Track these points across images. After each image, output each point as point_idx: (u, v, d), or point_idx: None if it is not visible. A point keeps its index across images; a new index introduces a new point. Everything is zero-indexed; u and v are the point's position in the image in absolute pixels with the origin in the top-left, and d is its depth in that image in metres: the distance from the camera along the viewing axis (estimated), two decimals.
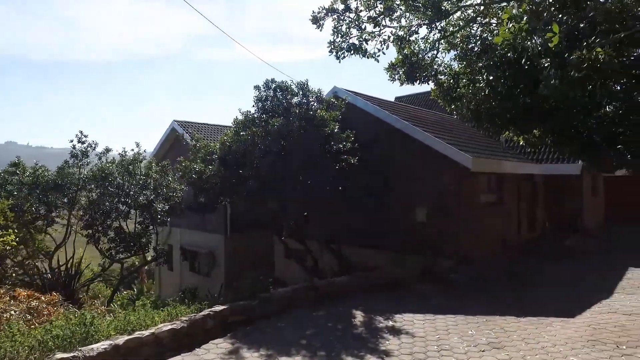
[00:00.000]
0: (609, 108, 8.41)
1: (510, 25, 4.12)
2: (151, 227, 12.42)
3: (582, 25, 4.08)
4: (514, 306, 7.44)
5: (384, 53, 6.03)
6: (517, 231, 13.70)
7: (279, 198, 9.52)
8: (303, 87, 10.45)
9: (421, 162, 11.10)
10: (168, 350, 5.00)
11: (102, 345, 4.36)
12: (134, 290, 21.31)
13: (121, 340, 4.56)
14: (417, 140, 10.96)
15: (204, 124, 18.52)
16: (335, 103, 10.86)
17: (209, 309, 5.78)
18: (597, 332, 6.01)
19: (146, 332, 4.92)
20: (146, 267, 22.55)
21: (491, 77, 6.05)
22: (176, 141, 17.74)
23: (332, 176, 9.47)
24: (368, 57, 5.94)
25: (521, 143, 9.34)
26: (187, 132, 16.57)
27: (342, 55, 5.83)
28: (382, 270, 8.75)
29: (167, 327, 5.18)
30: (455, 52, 7.10)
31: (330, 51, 5.81)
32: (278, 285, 8.93)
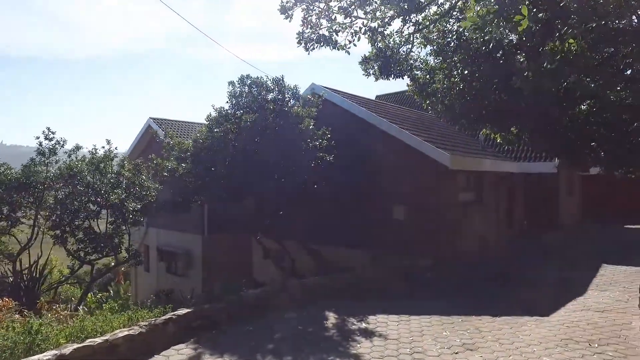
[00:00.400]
0: (583, 106, 8.38)
1: (478, 8, 3.96)
2: (123, 227, 11.91)
3: (555, 15, 3.95)
4: (490, 306, 7.31)
5: (355, 45, 5.79)
6: (496, 229, 13.69)
7: (252, 196, 9.20)
8: (278, 83, 10.15)
9: (399, 160, 10.94)
10: (123, 358, 4.65)
11: (45, 356, 3.99)
12: (110, 293, 20.66)
13: (68, 349, 4.19)
14: (395, 138, 10.80)
15: (182, 121, 18.03)
16: (311, 99, 10.60)
17: (172, 313, 5.44)
18: (570, 330, 5.91)
19: (99, 340, 4.56)
20: (122, 268, 21.92)
21: (466, 72, 5.89)
22: (153, 139, 17.20)
23: (307, 174, 9.21)
24: (338, 49, 5.70)
25: (498, 140, 9.25)
26: (163, 130, 16.06)
27: (312, 47, 5.57)
28: (359, 271, 8.53)
29: (123, 333, 4.83)
30: (432, 48, 6.92)
31: (299, 42, 5.55)
32: (256, 287, 8.63)
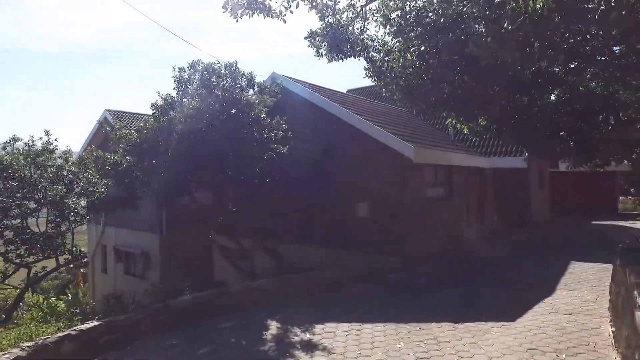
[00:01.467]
0: (552, 96, 7.79)
1: None
2: (65, 226, 10.72)
3: None
4: (453, 309, 6.61)
5: (291, 12, 4.95)
6: (467, 226, 13.12)
7: (196, 190, 8.24)
8: (231, 69, 9.21)
9: (363, 154, 10.17)
10: None
11: None
12: (68, 296, 19.24)
13: None
14: (358, 129, 10.03)
15: (141, 114, 16.80)
16: (267, 87, 9.72)
17: (71, 329, 4.47)
18: (537, 338, 5.23)
19: None
20: (82, 270, 20.49)
21: (422, 48, 5.15)
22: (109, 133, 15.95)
23: (260, 167, 8.31)
24: (272, 17, 4.87)
25: (465, 132, 8.59)
26: (121, 122, 14.83)
27: (241, 14, 4.71)
28: (317, 272, 7.70)
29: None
30: (390, 28, 6.15)
31: (225, 7, 4.67)
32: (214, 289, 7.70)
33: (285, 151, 8.59)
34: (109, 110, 15.76)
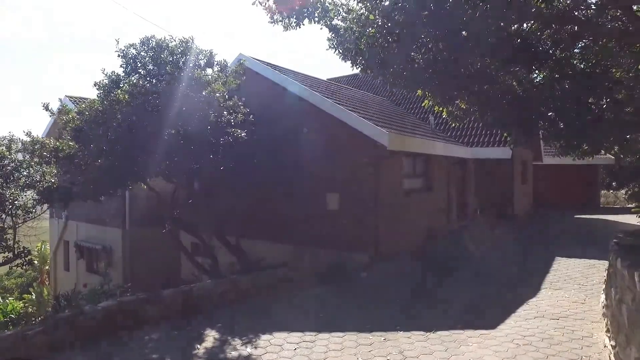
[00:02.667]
0: (539, 77, 6.89)
1: None
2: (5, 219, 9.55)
3: None
4: (426, 315, 5.71)
5: None
6: (447, 219, 12.28)
7: (138, 179, 7.17)
8: (186, 45, 8.12)
9: (335, 141, 9.18)
10: None
11: None
12: (32, 295, 17.92)
13: None
14: (329, 115, 9.02)
15: None
16: (228, 66, 8.65)
17: None
18: (521, 350, 4.34)
19: None
20: (47, 267, 19.13)
21: (387, 3, 4.19)
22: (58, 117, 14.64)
23: (216, 154, 7.26)
24: None
25: (444, 116, 7.66)
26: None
27: None
28: (275, 270, 6.71)
29: None
30: None
31: None
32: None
33: (243, 136, 7.54)
34: (69, 97, 14.44)
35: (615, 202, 22.17)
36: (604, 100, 6.05)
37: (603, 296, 5.42)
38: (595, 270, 7.91)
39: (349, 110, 8.88)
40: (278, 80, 10.00)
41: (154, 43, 8.13)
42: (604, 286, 5.51)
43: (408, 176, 10.30)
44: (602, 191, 22.07)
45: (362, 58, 4.87)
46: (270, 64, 11.10)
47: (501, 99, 6.43)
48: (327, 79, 19.12)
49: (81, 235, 14.57)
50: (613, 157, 20.17)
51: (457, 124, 7.81)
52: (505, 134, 6.93)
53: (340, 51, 5.26)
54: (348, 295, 6.71)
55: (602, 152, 7.89)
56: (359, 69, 5.23)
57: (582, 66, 6.36)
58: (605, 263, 8.56)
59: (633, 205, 21.01)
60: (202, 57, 8.44)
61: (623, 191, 22.56)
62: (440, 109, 7.18)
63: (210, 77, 7.65)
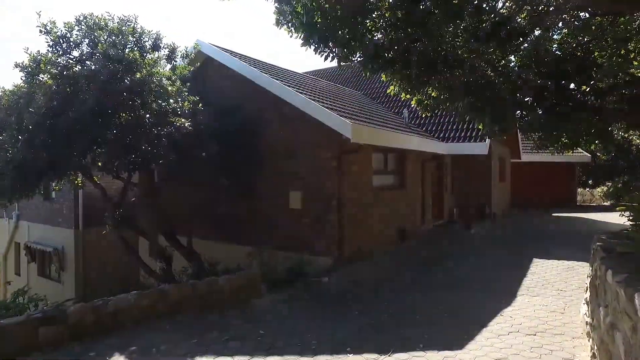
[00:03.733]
0: (515, 61, 6.14)
1: None
2: None
3: None
4: (384, 331, 4.86)
5: None
6: (421, 219, 11.52)
7: (60, 173, 6.13)
8: (126, 24, 7.10)
9: (296, 133, 8.29)
10: None
11: None
12: None
13: None
14: (291, 105, 8.12)
15: None
16: (177, 50, 7.66)
17: None
18: None
19: None
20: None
21: None
22: None
23: (151, 144, 6.25)
24: None
25: (413, 104, 6.85)
26: None
27: None
28: (226, 277, 5.72)
29: None
30: None
31: None
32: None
33: (188, 125, 6.56)
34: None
35: (592, 200, 21.91)
36: (586, 87, 5.32)
37: (585, 307, 4.67)
38: (574, 274, 7.21)
39: (312, 100, 7.98)
40: (236, 67, 9.03)
41: (91, 22, 7.09)
42: (586, 295, 4.77)
43: (378, 172, 9.48)
44: (579, 189, 21.78)
45: (298, 21, 3.96)
46: (229, 50, 10.12)
47: (473, 84, 5.64)
48: (304, 72, 18.21)
49: (33, 236, 13.31)
50: (589, 155, 19.88)
51: (428, 114, 7.00)
52: (478, 125, 6.14)
53: (280, 21, 4.34)
54: (302, 306, 5.82)
55: (582, 145, 7.20)
56: (300, 38, 4.32)
57: (559, 51, 5.64)
58: (585, 265, 7.91)
59: (609, 203, 20.77)
60: (147, 39, 7.42)
61: (599, 189, 22.35)
62: (407, 96, 6.35)
63: (152, 60, 6.64)
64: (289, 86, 8.43)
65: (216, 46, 9.66)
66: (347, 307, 5.82)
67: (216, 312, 5.17)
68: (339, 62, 4.57)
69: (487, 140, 11.03)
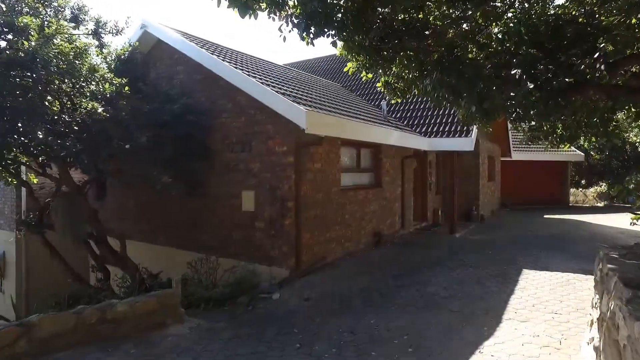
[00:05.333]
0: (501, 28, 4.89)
1: None
2: None
3: None
4: None
5: None
6: (401, 221, 10.29)
7: None
8: None
9: (250, 124, 7.01)
10: None
11: None
12: None
13: None
14: (242, 91, 6.85)
15: None
16: (106, 25, 6.34)
17: None
18: None
19: None
20: None
21: None
22: None
23: (54, 132, 4.95)
24: None
25: (379, 87, 5.60)
26: None
27: None
28: (127, 302, 4.42)
29: None
30: None
31: None
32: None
33: (102, 112, 5.24)
34: None
35: (585, 200, 20.80)
36: (589, 59, 4.07)
37: (590, 351, 3.44)
38: (570, 290, 6.00)
39: (267, 85, 6.71)
40: (186, 49, 7.74)
41: None
42: (590, 334, 3.55)
43: (349, 170, 8.23)
44: (571, 189, 20.66)
45: None
46: (187, 33, 8.82)
47: (445, 57, 4.38)
48: (284, 64, 16.93)
49: None
50: (582, 154, 18.76)
51: (398, 99, 5.74)
52: (456, 108, 4.88)
53: None
54: (231, 336, 4.53)
55: (580, 138, 5.97)
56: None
57: (556, 17, 4.39)
58: (581, 278, 6.72)
59: (602, 204, 19.65)
60: (64, 10, 6.09)
61: (592, 189, 21.24)
62: (367, 75, 5.10)
63: (56, 29, 5.31)
64: (241, 70, 7.14)
65: (168, 27, 8.35)
66: (290, 335, 4.56)
67: (104, 347, 3.86)
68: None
69: (473, 135, 9.81)
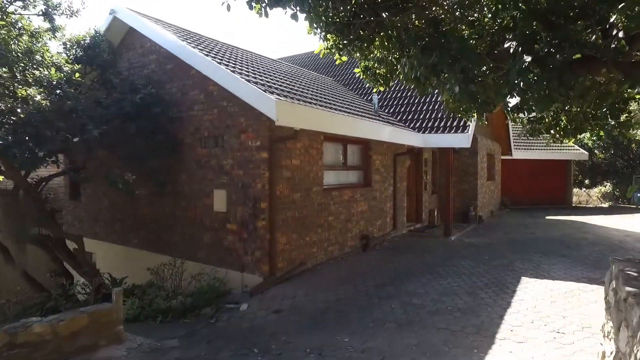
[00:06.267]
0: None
1: None
2: None
3: None
4: None
5: None
6: (392, 223, 9.57)
7: None
8: None
9: (222, 117, 6.33)
10: None
11: None
12: None
13: None
14: (215, 83, 6.17)
15: None
16: (59, 6, 5.67)
17: None
18: None
19: None
20: None
21: None
22: None
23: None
24: None
25: (357, 72, 4.90)
26: None
27: None
28: (48, 321, 3.77)
29: None
30: None
31: None
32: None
33: (40, 100, 4.57)
34: None
35: (588, 201, 19.91)
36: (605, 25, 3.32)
37: None
38: (574, 303, 5.26)
39: (239, 74, 6.02)
40: (158, 38, 7.07)
41: None
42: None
43: (334, 167, 7.53)
44: (574, 189, 19.77)
45: None
46: (161, 20, 8.15)
47: (425, 33, 3.66)
48: (278, 58, 16.25)
49: None
50: (587, 153, 17.88)
51: (381, 88, 5.02)
52: (440, 91, 4.14)
53: None
54: (189, 356, 3.85)
55: (588, 130, 5.21)
56: None
57: None
58: (587, 288, 5.97)
59: (607, 204, 18.77)
60: None
61: (596, 189, 20.34)
62: (341, 57, 4.39)
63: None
64: (213, 58, 6.46)
65: (139, 13, 7.69)
66: (247, 358, 3.88)
67: None
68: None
69: (470, 131, 9.06)
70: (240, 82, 5.60)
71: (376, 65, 4.76)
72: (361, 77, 4.97)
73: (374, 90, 5.22)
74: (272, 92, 5.66)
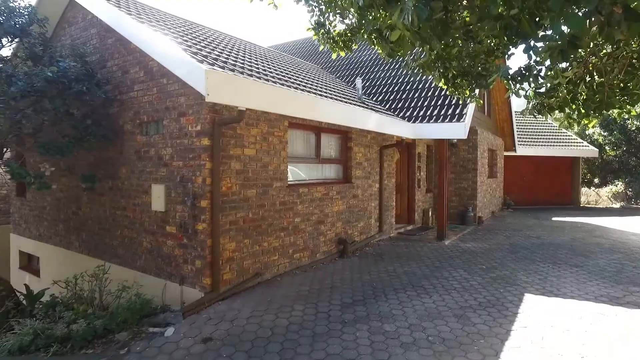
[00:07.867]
0: None
1: None
2: None
3: None
4: None
5: None
6: (378, 225, 8.33)
7: None
8: None
9: (163, 99, 5.15)
10: None
11: None
12: None
13: None
14: (151, 58, 5.00)
15: None
16: None
17: None
18: None
19: None
20: None
21: None
22: None
23: None
24: None
25: (308, 31, 3.70)
26: None
27: None
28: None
29: None
30: None
31: None
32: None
33: None
34: None
35: (598, 201, 18.43)
36: None
37: None
38: (595, 332, 3.99)
39: (177, 41, 4.84)
40: (91, 6, 5.92)
41: None
42: None
43: (301, 159, 6.32)
44: (583, 188, 18.30)
45: None
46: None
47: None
48: (270, 45, 15.04)
49: None
50: (597, 149, 16.41)
51: (341, 51, 3.80)
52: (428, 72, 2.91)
53: None
54: None
55: (609, 110, 3.93)
56: None
57: None
58: (607, 309, 4.69)
59: (619, 205, 17.25)
60: None
61: (607, 189, 18.82)
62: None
63: None
64: (151, 27, 5.29)
65: None
66: None
67: None
68: None
69: (467, 120, 7.78)
70: (172, 49, 4.42)
71: (330, 20, 3.55)
72: (314, 38, 3.75)
73: (333, 55, 3.99)
74: (212, 64, 4.46)
